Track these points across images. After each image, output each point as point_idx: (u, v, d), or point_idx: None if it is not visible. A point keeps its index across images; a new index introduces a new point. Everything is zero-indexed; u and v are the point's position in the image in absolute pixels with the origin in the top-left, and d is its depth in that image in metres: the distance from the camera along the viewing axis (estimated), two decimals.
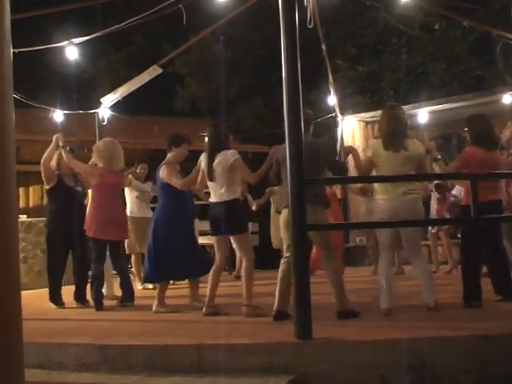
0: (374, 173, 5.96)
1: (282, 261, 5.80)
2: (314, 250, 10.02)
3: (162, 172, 6.73)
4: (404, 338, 4.47)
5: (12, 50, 2.63)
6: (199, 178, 6.50)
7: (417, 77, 16.69)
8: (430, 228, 10.18)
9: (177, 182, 6.64)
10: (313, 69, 14.45)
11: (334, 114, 13.71)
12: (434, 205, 10.07)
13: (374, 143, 5.91)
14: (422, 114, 12.63)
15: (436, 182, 9.85)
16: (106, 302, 7.41)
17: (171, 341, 4.82)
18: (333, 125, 14.02)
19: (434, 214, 9.97)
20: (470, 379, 4.28)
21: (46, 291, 9.14)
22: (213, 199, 6.31)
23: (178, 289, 8.22)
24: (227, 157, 6.20)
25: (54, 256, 7.49)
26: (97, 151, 7.56)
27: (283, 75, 4.71)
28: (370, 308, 6.01)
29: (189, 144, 6.91)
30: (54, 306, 7.47)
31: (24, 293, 2.71)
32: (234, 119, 17.99)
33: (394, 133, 5.76)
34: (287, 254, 5.65)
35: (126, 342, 4.84)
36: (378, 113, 13.01)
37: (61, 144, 7.62)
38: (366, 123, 13.86)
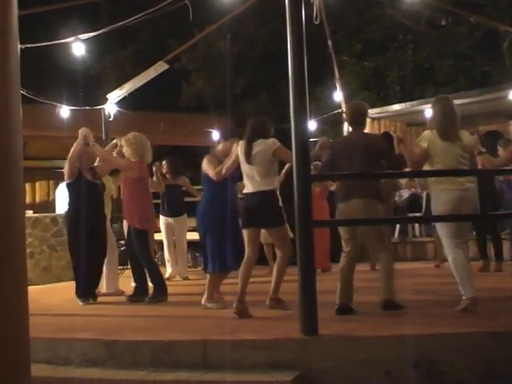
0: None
1: (342, 255, 5.79)
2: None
3: (203, 163, 6.55)
4: (410, 334, 4.47)
5: (19, 46, 2.64)
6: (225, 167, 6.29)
7: (423, 73, 16.64)
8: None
9: (211, 172, 6.40)
10: (319, 65, 14.42)
11: (339, 110, 13.70)
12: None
13: (430, 134, 5.83)
14: (429, 110, 12.57)
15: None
16: (114, 298, 7.44)
17: (177, 336, 4.83)
18: (339, 121, 14.00)
19: None
20: (475, 376, 4.28)
21: (51, 286, 9.21)
22: (249, 190, 6.01)
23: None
24: (267, 145, 5.98)
25: (80, 250, 7.41)
26: (129, 144, 7.47)
27: (289, 71, 4.70)
28: (374, 304, 6.01)
29: (239, 139, 6.66)
30: (81, 303, 7.27)
31: (30, 288, 2.72)
32: (239, 115, 17.98)
33: (450, 123, 5.72)
34: (347, 249, 5.70)
35: (132, 338, 4.86)
36: (385, 109, 13.17)
37: (91, 143, 7.44)
38: (373, 119, 13.83)
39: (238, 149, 6.09)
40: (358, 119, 5.96)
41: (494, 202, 8.74)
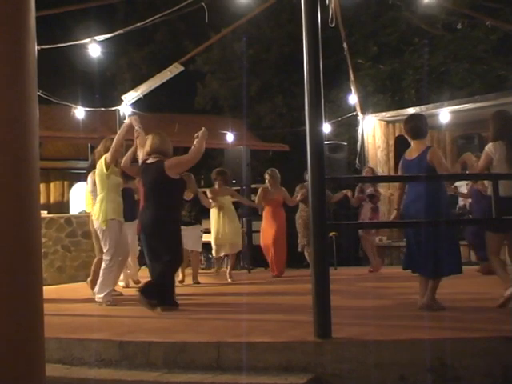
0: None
1: None
2: (272, 253, 10.04)
3: (432, 154, 5.90)
4: (425, 338, 4.43)
5: (36, 47, 2.65)
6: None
7: (439, 76, 16.57)
8: (360, 231, 10.35)
9: (445, 167, 5.96)
10: (334, 67, 14.43)
11: (354, 113, 13.67)
12: (366, 213, 10.19)
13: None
14: (444, 114, 12.55)
15: (370, 192, 9.94)
16: (128, 299, 7.44)
17: (191, 338, 4.82)
18: (353, 124, 13.98)
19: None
20: (492, 381, 4.23)
21: (65, 287, 9.24)
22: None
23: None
24: None
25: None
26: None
27: (305, 74, 4.69)
28: (389, 307, 5.99)
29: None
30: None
31: (44, 288, 2.73)
32: (254, 117, 18.00)
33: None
34: None
35: (146, 339, 4.86)
36: (400, 112, 13.13)
37: (137, 127, 7.10)
38: (387, 122, 13.80)
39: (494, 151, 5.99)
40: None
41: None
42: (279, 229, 10.09)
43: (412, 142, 5.99)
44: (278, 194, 10.08)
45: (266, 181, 10.13)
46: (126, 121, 7.38)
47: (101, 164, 7.24)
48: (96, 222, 7.26)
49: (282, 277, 10.02)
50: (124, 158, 7.08)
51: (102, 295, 7.09)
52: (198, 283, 9.31)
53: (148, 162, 6.66)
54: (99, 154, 7.49)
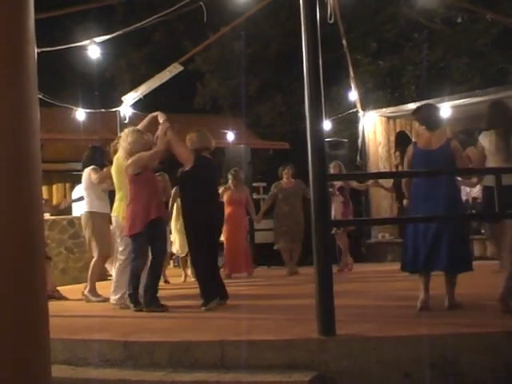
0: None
1: None
2: (228, 252, 10.03)
3: (455, 145, 5.92)
4: (427, 334, 4.44)
5: (36, 50, 2.66)
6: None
7: (439, 71, 16.56)
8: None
9: (465, 160, 6.04)
10: (333, 64, 14.41)
11: (355, 110, 13.67)
12: (337, 208, 10.11)
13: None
14: (444, 109, 12.49)
15: (340, 185, 9.87)
16: None
17: (195, 337, 4.83)
18: (354, 120, 13.97)
19: (338, 216, 9.95)
20: (495, 377, 4.23)
21: (69, 288, 9.25)
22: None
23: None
24: None
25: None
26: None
27: (304, 71, 4.69)
28: (391, 303, 6.00)
29: None
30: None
31: None
32: (254, 116, 18.01)
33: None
34: None
35: (150, 339, 4.87)
36: (400, 108, 13.12)
37: (161, 120, 6.86)
38: (388, 118, 13.79)
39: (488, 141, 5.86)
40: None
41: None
42: (243, 229, 10.25)
43: (426, 133, 5.79)
44: (240, 195, 10.13)
45: (229, 181, 10.15)
46: (152, 114, 7.17)
47: (118, 160, 7.02)
48: (114, 219, 7.11)
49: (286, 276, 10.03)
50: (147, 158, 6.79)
51: (117, 297, 6.93)
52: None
53: (207, 157, 6.81)
54: (114, 150, 7.27)
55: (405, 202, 6.22)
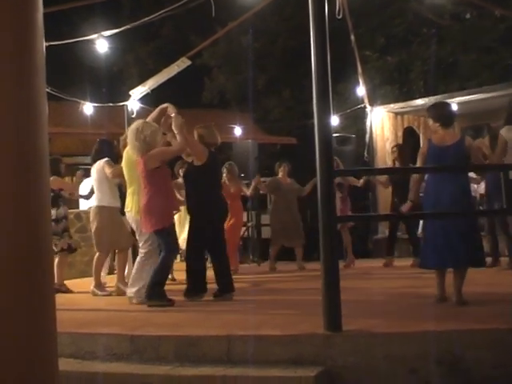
0: None
1: None
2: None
3: (470, 142, 6.00)
4: (434, 330, 4.43)
5: (44, 44, 2.66)
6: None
7: (447, 67, 16.50)
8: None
9: (479, 157, 6.06)
10: (341, 59, 14.37)
11: (362, 105, 13.64)
12: (336, 204, 10.02)
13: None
14: (452, 105, 12.46)
15: (338, 181, 9.87)
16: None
17: (201, 332, 4.84)
18: (361, 116, 13.94)
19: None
20: (503, 373, 4.22)
21: (76, 282, 9.28)
22: None
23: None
24: None
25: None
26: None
27: (312, 66, 4.68)
28: (398, 299, 5.99)
29: None
30: None
31: None
32: (261, 111, 17.99)
33: None
34: None
35: (157, 333, 4.88)
36: (408, 103, 13.09)
37: (173, 113, 6.82)
38: (396, 114, 13.75)
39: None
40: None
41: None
42: (239, 223, 10.26)
43: (441, 130, 5.84)
44: (235, 188, 10.12)
45: (224, 175, 10.08)
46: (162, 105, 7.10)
47: (129, 154, 6.88)
48: (129, 215, 6.95)
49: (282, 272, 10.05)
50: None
51: (134, 290, 6.77)
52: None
53: (216, 152, 7.10)
54: (125, 143, 7.15)
55: (405, 206, 6.16)
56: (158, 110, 7.12)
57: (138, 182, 6.72)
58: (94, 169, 7.91)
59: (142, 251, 6.85)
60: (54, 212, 8.10)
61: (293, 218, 10.18)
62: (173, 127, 6.73)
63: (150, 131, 6.53)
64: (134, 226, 7.00)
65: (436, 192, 5.65)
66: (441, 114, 5.92)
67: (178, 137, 6.66)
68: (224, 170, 10.12)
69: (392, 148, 10.74)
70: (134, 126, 6.69)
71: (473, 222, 5.65)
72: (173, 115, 6.79)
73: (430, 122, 5.99)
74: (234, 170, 10.29)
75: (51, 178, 8.32)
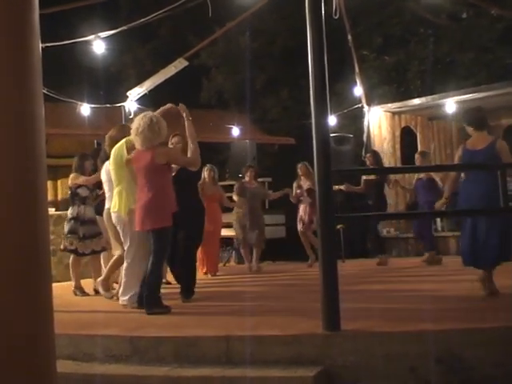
0: None
1: None
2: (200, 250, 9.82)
3: (501, 145, 6.04)
4: (433, 329, 4.43)
5: (41, 45, 2.65)
6: None
7: (444, 66, 16.50)
8: (299, 227, 10.60)
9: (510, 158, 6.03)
10: (339, 59, 14.37)
11: (360, 105, 13.65)
12: (304, 208, 10.47)
13: None
14: (450, 104, 12.51)
15: (308, 187, 10.06)
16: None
17: (200, 332, 4.84)
18: (359, 115, 13.95)
19: (304, 217, 10.49)
20: (503, 372, 4.22)
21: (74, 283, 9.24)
22: None
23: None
24: None
25: None
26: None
27: (309, 66, 4.68)
28: (396, 299, 5.99)
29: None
30: None
31: (53, 285, 2.74)
32: (260, 111, 17.99)
33: None
34: None
35: (156, 334, 4.88)
36: (405, 103, 13.10)
37: (185, 114, 6.68)
38: (393, 113, 13.76)
39: None
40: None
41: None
42: (218, 224, 10.11)
43: (474, 133, 6.08)
44: (214, 190, 10.03)
45: (205, 176, 9.94)
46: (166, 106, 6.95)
47: (119, 152, 6.62)
48: (115, 215, 6.62)
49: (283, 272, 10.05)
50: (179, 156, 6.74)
51: (127, 298, 6.54)
52: None
53: None
54: (112, 141, 6.88)
55: (438, 204, 6.39)
56: (161, 110, 6.92)
57: (128, 179, 6.48)
58: (103, 170, 7.40)
59: (127, 260, 6.54)
60: (69, 211, 8.13)
61: (255, 221, 10.18)
62: (187, 134, 6.59)
63: (163, 125, 6.30)
64: (118, 227, 6.66)
65: (468, 194, 5.86)
66: (473, 118, 6.16)
67: (191, 146, 6.50)
68: (205, 172, 9.96)
69: (365, 155, 10.96)
70: (145, 116, 6.32)
71: (505, 223, 5.78)
72: (187, 121, 6.64)
73: (469, 129, 6.15)
74: (214, 172, 10.17)
75: (70, 175, 8.30)
